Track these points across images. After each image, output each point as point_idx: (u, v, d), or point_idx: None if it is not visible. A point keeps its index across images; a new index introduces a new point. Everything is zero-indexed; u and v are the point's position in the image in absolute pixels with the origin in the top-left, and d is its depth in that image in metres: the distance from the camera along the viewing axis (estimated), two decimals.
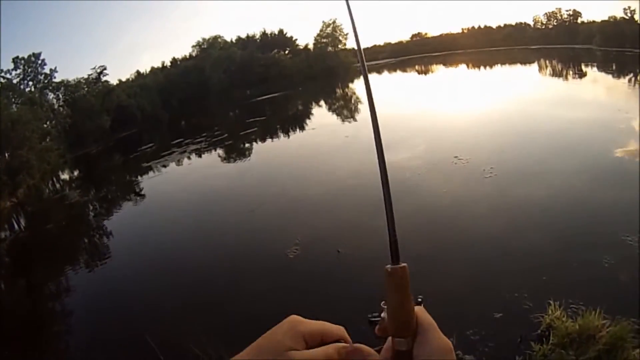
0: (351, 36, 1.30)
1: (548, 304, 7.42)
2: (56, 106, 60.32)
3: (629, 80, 41.17)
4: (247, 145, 33.47)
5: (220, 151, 32.17)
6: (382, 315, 0.95)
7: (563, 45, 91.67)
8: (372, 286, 8.78)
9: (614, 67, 55.01)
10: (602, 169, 15.35)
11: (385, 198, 1.08)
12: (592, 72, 53.66)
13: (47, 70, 61.22)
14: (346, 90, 68.06)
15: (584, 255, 9.53)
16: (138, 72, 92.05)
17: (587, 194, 13.20)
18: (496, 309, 8.01)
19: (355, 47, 1.23)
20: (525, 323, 7.45)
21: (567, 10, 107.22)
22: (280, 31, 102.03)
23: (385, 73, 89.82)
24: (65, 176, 42.41)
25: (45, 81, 60.92)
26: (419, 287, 8.93)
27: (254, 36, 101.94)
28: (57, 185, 38.60)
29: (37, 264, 17.29)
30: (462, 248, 10.91)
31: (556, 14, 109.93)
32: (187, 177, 25.93)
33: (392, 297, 0.93)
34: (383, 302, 0.94)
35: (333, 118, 40.44)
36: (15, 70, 59.48)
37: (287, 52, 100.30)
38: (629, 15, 78.90)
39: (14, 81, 58.87)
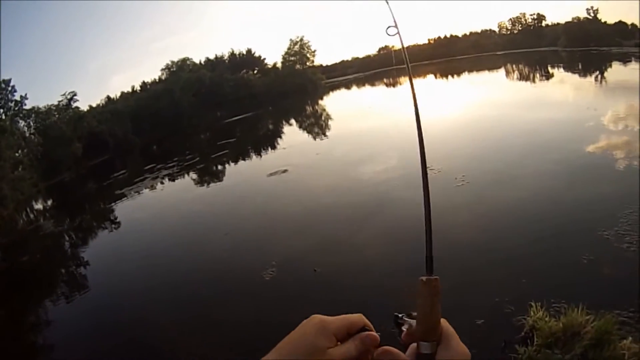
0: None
1: (529, 306, 7.52)
2: (27, 134, 59.46)
3: (595, 78, 42.41)
4: (219, 167, 33.67)
5: (193, 175, 32.11)
6: (410, 322, 1.13)
7: (529, 49, 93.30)
8: (349, 304, 8.97)
9: (579, 67, 56.77)
10: (575, 166, 15.71)
11: (425, 217, 1.36)
12: (558, 72, 55.38)
13: (17, 97, 60.78)
14: (316, 107, 68.27)
15: (562, 254, 9.74)
16: (108, 97, 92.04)
17: (561, 193, 13.46)
18: (477, 316, 8.08)
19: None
20: (508, 327, 7.55)
21: (531, 15, 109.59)
22: (249, 51, 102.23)
23: (355, 88, 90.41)
24: (39, 206, 42.08)
25: (16, 108, 60.26)
26: (397, 299, 9.23)
27: (222, 57, 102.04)
28: (32, 216, 38.14)
29: (13, 297, 17.04)
30: (437, 258, 10.80)
31: (520, 18, 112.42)
32: (161, 203, 25.89)
33: (424, 304, 1.11)
34: (401, 315, 1.15)
35: (304, 136, 40.84)
36: None
37: (255, 71, 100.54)
38: (592, 15, 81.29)
39: None
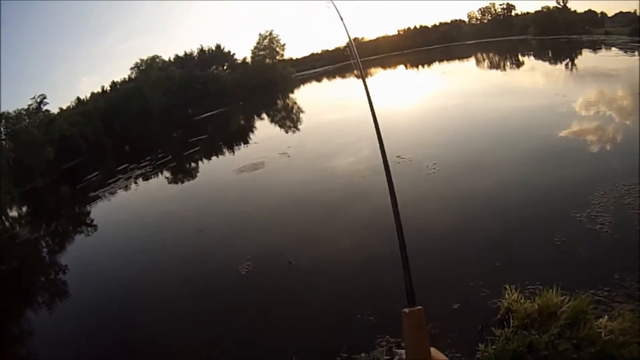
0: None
1: (504, 289, 7.57)
2: None
3: (566, 66, 43.18)
4: (191, 165, 33.57)
5: (166, 173, 32.15)
6: (400, 353, 1.10)
7: (499, 38, 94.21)
8: (323, 293, 9.47)
9: (550, 54, 57.57)
10: (548, 151, 15.89)
11: (401, 250, 1.27)
12: (529, 60, 56.08)
13: None
14: (287, 100, 68.27)
15: (536, 236, 9.90)
16: (78, 98, 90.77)
17: (533, 178, 13.65)
18: (453, 301, 8.13)
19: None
20: (485, 310, 7.61)
21: (500, 4, 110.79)
22: (218, 47, 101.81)
23: (325, 80, 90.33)
24: (14, 213, 41.21)
25: None
26: (369, 287, 9.27)
27: (191, 54, 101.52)
28: (7, 224, 37.40)
29: None
30: (411, 246, 10.71)
31: (490, 8, 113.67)
32: (136, 203, 25.66)
33: (410, 337, 1.10)
34: (395, 345, 1.21)
35: (276, 130, 40.84)
36: None
37: (225, 67, 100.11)
38: (562, 4, 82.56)
39: None
